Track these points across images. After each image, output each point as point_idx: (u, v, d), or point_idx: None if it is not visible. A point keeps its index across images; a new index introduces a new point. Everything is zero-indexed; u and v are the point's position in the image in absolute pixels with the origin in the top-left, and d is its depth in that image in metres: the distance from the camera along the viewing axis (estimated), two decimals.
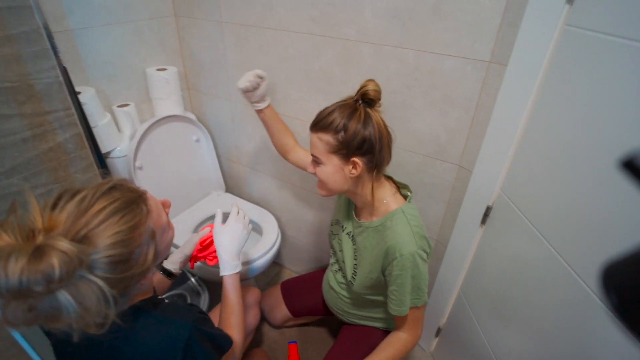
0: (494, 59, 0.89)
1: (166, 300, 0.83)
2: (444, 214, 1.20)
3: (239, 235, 0.96)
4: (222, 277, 0.91)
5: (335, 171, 0.88)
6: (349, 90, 1.14)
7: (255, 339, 1.50)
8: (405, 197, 0.97)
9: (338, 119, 0.83)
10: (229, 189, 1.76)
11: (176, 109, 1.44)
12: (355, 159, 0.85)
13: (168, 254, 0.72)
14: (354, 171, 0.87)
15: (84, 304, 0.48)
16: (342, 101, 0.89)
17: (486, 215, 1.04)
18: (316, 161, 0.90)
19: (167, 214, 0.72)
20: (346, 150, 0.84)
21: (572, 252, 0.73)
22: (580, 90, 0.70)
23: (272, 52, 1.26)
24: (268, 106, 1.09)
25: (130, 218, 0.56)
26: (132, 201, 0.58)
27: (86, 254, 0.49)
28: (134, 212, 0.57)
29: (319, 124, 0.86)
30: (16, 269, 0.42)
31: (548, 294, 0.80)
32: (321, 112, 0.88)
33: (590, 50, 0.67)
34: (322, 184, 0.93)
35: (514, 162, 0.93)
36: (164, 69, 1.39)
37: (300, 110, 1.32)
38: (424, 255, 0.89)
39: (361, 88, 0.86)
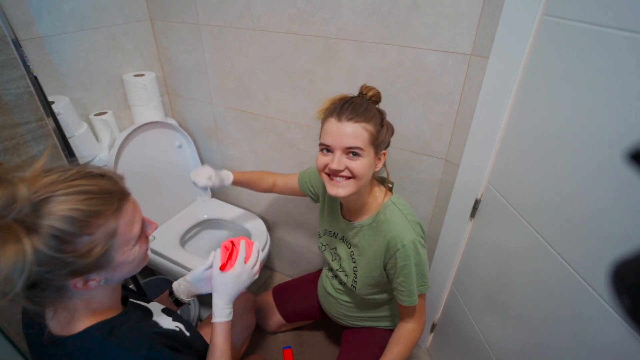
0: (475, 52, 0.89)
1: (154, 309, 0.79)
2: (434, 209, 1.19)
3: (241, 284, 0.86)
4: (213, 323, 0.84)
5: (371, 164, 0.85)
6: (331, 89, 1.14)
7: (250, 346, 1.47)
8: (388, 189, 0.97)
9: (375, 113, 0.84)
10: (214, 194, 1.72)
11: (156, 116, 1.40)
12: (385, 152, 0.89)
13: (126, 274, 0.65)
14: (379, 164, 0.88)
15: None
16: (347, 96, 0.88)
17: (475, 208, 1.04)
18: (354, 153, 0.82)
19: (146, 234, 0.67)
20: (382, 142, 0.86)
21: (561, 241, 0.72)
22: (561, 79, 0.70)
23: (251, 53, 1.23)
24: (232, 178, 1.15)
25: (95, 204, 0.53)
26: (107, 192, 0.56)
27: (37, 212, 0.48)
28: (102, 201, 0.55)
29: (363, 114, 0.81)
30: None
31: (539, 283, 0.80)
32: (350, 105, 0.82)
33: (568, 39, 0.67)
34: (358, 178, 0.84)
35: (500, 154, 0.93)
36: (142, 75, 1.35)
37: (282, 111, 1.30)
38: (422, 241, 0.90)
39: (367, 92, 0.87)
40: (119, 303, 0.72)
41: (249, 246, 0.91)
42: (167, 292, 0.96)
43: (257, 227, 1.48)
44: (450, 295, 1.26)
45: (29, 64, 0.90)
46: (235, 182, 1.18)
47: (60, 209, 0.50)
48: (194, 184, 1.10)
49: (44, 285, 0.53)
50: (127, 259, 0.61)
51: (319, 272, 1.38)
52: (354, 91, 0.91)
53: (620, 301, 0.17)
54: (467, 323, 1.14)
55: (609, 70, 0.59)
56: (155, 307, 0.82)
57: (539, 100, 0.77)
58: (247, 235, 1.49)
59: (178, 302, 0.95)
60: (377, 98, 0.88)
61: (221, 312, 0.83)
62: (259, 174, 1.22)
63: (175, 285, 0.95)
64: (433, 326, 1.42)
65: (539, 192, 0.78)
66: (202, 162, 1.65)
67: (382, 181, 1.00)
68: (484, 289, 1.05)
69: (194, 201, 1.63)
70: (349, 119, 0.81)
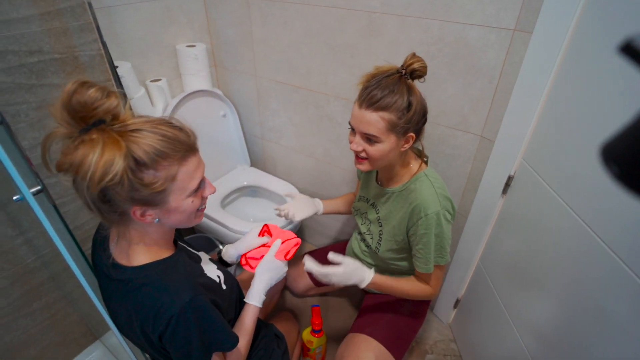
0: (519, 27, 0.90)
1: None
2: (465, 186, 1.22)
3: (276, 276, 0.95)
4: (245, 302, 0.91)
5: (391, 148, 0.87)
6: (372, 63, 1.15)
7: (280, 305, 1.58)
8: (424, 162, 1.00)
9: (400, 97, 0.82)
10: (253, 163, 1.82)
11: (205, 85, 1.50)
12: (412, 134, 0.88)
13: (177, 223, 0.74)
14: (406, 145, 0.90)
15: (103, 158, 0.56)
16: (382, 73, 0.86)
17: (507, 184, 1.06)
18: (370, 139, 0.87)
19: (202, 193, 0.74)
20: (407, 126, 0.85)
21: (596, 219, 0.73)
22: (605, 54, 0.70)
23: (296, 27, 1.28)
24: (323, 209, 1.27)
25: (167, 147, 0.62)
26: (179, 141, 0.65)
27: (126, 137, 0.59)
28: (173, 147, 0.63)
29: (381, 103, 0.82)
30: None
31: (571, 260, 0.81)
32: (374, 89, 0.83)
33: (616, 14, 0.67)
34: (372, 160, 0.90)
35: (537, 130, 0.94)
36: (193, 46, 1.44)
37: (323, 85, 1.35)
38: (448, 216, 0.93)
39: (409, 64, 0.84)
40: (171, 244, 0.81)
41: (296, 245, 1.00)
42: (216, 254, 1.07)
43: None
44: (477, 271, 1.29)
45: (100, 29, 1.00)
46: (327, 211, 1.29)
47: (142, 142, 0.60)
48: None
49: (113, 203, 0.62)
50: (179, 207, 0.69)
51: (347, 241, 1.45)
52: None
53: (610, 170, 0.21)
54: (491, 300, 1.17)
55: None
56: (204, 255, 0.92)
57: (581, 77, 0.78)
58: (283, 203, 1.58)
59: (225, 263, 1.06)
60: (420, 72, 0.85)
61: (256, 296, 0.90)
62: (343, 200, 1.33)
63: (224, 249, 1.07)
64: (457, 302, 1.46)
65: (575, 169, 0.79)
66: (244, 132, 1.73)
67: (419, 152, 1.03)
68: (511, 266, 1.07)
69: (234, 168, 1.73)
70: (368, 107, 0.84)
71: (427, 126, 1.15)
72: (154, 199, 0.65)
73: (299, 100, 1.46)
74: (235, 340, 0.79)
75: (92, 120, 0.58)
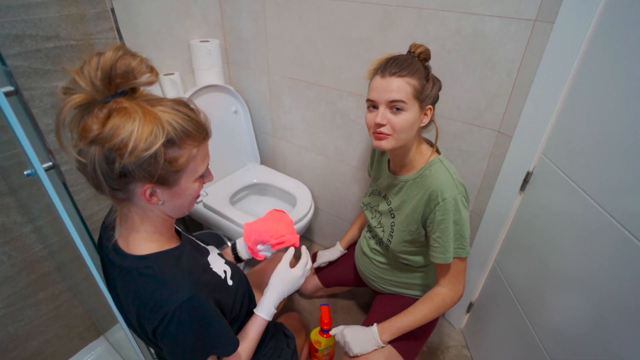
0: (540, 17, 0.88)
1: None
2: (481, 183, 1.18)
3: (292, 288, 0.93)
4: (255, 314, 0.88)
5: (415, 119, 0.87)
6: None
7: (287, 306, 1.55)
8: (436, 149, 0.99)
9: (419, 67, 0.86)
10: (263, 161, 1.81)
11: (217, 81, 1.49)
12: (431, 106, 0.90)
13: (177, 207, 0.71)
14: (425, 120, 0.91)
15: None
16: (395, 55, 0.90)
17: (526, 181, 1.03)
18: (397, 107, 0.85)
19: (203, 179, 0.73)
20: (429, 95, 0.88)
21: (626, 213, 0.70)
22: (631, 45, 0.68)
23: (311, 20, 1.28)
24: (344, 247, 1.40)
25: (192, 127, 0.62)
26: (200, 124, 0.65)
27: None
28: (197, 128, 0.64)
29: (406, 69, 0.84)
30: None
31: (600, 257, 0.77)
32: (393, 62, 0.86)
33: None
34: (397, 133, 0.88)
35: (558, 124, 0.91)
36: (207, 41, 1.44)
37: (336, 80, 1.34)
38: (465, 201, 0.90)
39: (415, 49, 0.89)
40: (174, 234, 0.79)
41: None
42: (229, 248, 1.05)
43: (303, 194, 1.54)
44: (492, 273, 1.25)
45: (117, 18, 1.00)
46: (347, 247, 1.40)
47: (171, 117, 0.59)
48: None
49: (130, 177, 0.60)
50: (187, 190, 0.68)
51: (356, 242, 1.42)
52: None
53: None
54: (508, 302, 1.13)
55: None
56: (212, 249, 0.90)
57: (606, 67, 0.76)
58: (292, 201, 1.56)
59: (238, 259, 1.04)
60: (425, 55, 0.90)
61: (267, 309, 0.87)
62: (356, 222, 1.40)
63: (238, 244, 1.04)
64: (470, 306, 1.42)
65: (602, 163, 0.76)
66: (255, 129, 1.72)
67: (431, 143, 1.02)
68: (531, 266, 1.03)
69: (244, 166, 1.72)
70: (392, 74, 0.85)
71: (442, 121, 1.14)
72: (169, 178, 0.63)
73: (312, 96, 1.45)
74: (234, 345, 0.76)
75: (120, 89, 0.58)
